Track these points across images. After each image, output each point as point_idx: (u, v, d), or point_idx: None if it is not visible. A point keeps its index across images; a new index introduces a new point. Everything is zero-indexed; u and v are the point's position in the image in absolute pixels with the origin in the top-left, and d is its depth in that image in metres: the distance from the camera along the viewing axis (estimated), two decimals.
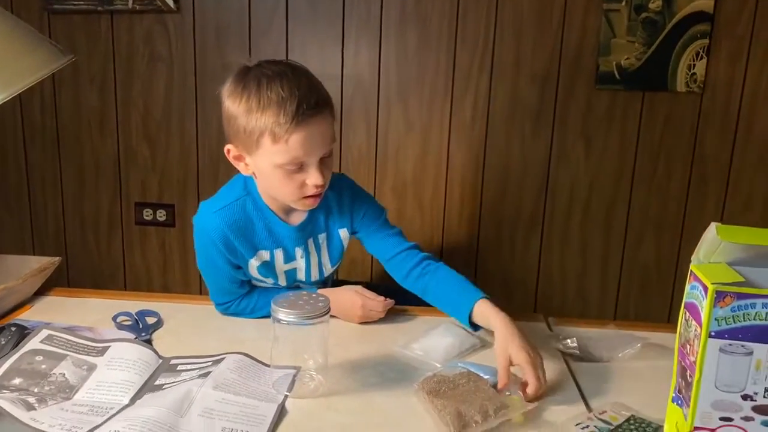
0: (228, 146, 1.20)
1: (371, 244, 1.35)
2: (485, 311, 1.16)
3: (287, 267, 1.32)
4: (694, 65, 1.89)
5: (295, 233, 1.28)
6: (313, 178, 1.15)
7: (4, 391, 0.93)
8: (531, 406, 0.98)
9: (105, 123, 2.07)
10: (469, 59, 1.95)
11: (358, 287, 1.30)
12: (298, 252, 1.30)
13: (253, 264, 1.27)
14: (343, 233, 1.34)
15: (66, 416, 0.88)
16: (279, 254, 1.29)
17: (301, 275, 1.34)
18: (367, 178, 2.04)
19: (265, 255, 1.27)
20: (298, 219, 1.29)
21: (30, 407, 0.88)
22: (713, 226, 0.82)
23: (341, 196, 1.32)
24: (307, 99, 1.10)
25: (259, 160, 1.15)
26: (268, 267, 1.29)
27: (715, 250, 0.84)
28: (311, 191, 1.17)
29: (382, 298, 1.28)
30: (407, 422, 0.95)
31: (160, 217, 2.11)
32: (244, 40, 1.98)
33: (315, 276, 1.35)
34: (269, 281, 1.32)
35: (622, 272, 2.06)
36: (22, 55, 0.87)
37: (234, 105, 1.14)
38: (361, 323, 1.27)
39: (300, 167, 1.15)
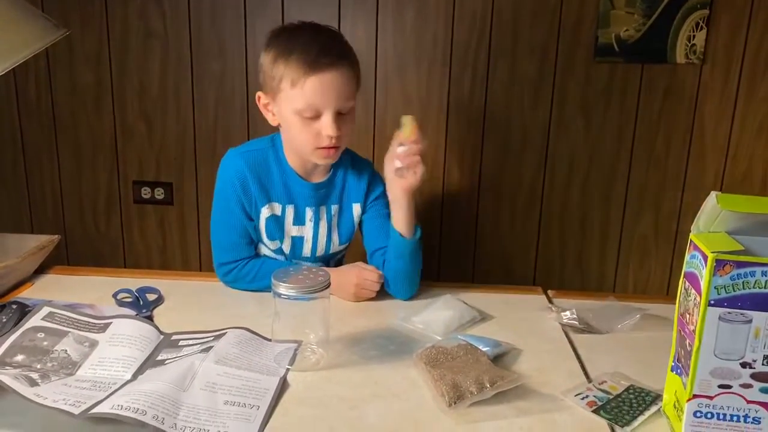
0: (258, 93, 1.29)
1: (369, 229, 1.37)
2: None
3: (295, 231, 1.34)
4: (694, 36, 1.88)
5: (309, 191, 1.32)
6: (327, 128, 1.21)
7: (7, 367, 0.93)
8: None
9: (101, 101, 2.05)
10: (467, 34, 1.93)
11: (359, 262, 1.31)
12: (308, 214, 1.33)
13: (264, 214, 1.30)
14: (356, 209, 1.36)
15: (69, 391, 0.89)
16: (290, 211, 1.32)
17: (307, 248, 1.35)
18: (366, 155, 2.02)
19: (276, 208, 1.31)
20: (315, 180, 1.33)
21: (33, 383, 0.89)
22: (713, 195, 0.82)
23: (361, 173, 1.36)
24: (327, 49, 1.20)
25: (281, 105, 1.23)
26: (277, 223, 1.32)
27: (714, 219, 0.84)
28: (325, 142, 1.23)
29: (380, 272, 1.28)
30: (406, 393, 0.96)
31: (158, 195, 2.10)
32: (239, 16, 1.96)
33: (321, 250, 1.36)
34: (275, 244, 1.34)
35: (621, 244, 2.07)
36: (15, 29, 0.86)
37: (265, 56, 1.24)
38: (358, 300, 1.27)
39: (316, 116, 1.21)
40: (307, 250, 1.36)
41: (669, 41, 1.88)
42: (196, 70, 2.01)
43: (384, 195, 1.35)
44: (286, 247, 1.35)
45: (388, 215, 1.35)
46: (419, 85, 1.98)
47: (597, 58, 1.91)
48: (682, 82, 1.93)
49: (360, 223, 1.39)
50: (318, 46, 1.19)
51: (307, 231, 1.34)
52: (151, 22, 1.98)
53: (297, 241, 1.35)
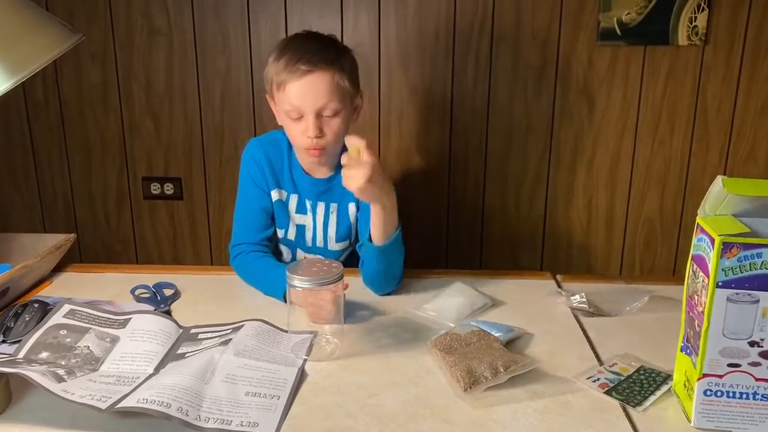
0: (267, 95, 1.37)
1: (360, 222, 1.38)
2: None
3: (299, 219, 1.41)
4: (696, 17, 1.88)
5: (310, 185, 1.39)
6: (307, 129, 1.27)
7: (34, 364, 0.96)
8: None
9: (108, 98, 2.07)
10: (469, 21, 1.94)
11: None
12: (308, 204, 1.39)
13: (273, 197, 1.39)
14: (352, 208, 1.40)
15: (95, 387, 0.91)
16: (294, 199, 1.40)
17: (309, 237, 1.41)
18: (372, 145, 2.04)
19: (283, 194, 1.40)
20: (317, 175, 1.40)
21: (60, 379, 0.91)
22: (719, 179, 0.83)
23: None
24: (310, 55, 1.26)
25: (278, 107, 1.33)
26: (283, 208, 1.40)
27: (721, 203, 0.85)
28: (308, 143, 1.29)
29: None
30: (422, 380, 0.98)
31: (168, 190, 2.12)
32: (242, 10, 1.97)
33: (320, 241, 1.41)
34: (281, 233, 1.41)
35: (626, 227, 2.08)
36: (36, 35, 0.88)
37: (269, 59, 1.33)
38: (315, 322, 1.11)
39: (301, 117, 1.28)
40: (309, 239, 1.42)
41: (671, 23, 1.89)
42: (201, 65, 2.02)
43: None
44: (291, 235, 1.42)
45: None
46: (423, 75, 1.99)
47: (599, 41, 1.92)
48: (684, 64, 1.93)
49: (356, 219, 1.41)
50: (303, 52, 1.26)
51: (309, 220, 1.41)
52: (154, 18, 1.99)
53: (300, 229, 1.41)
